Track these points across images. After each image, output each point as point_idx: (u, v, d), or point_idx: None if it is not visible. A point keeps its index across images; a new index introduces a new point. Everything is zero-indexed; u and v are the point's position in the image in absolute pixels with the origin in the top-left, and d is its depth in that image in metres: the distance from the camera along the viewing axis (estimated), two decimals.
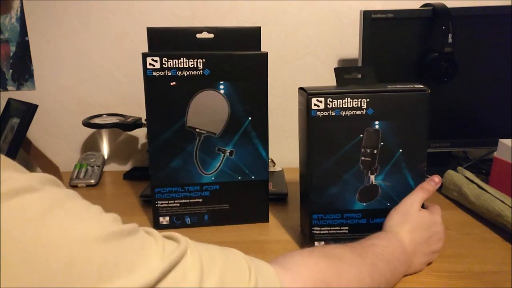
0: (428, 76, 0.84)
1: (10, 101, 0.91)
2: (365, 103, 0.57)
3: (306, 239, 0.62)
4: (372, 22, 0.83)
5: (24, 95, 0.98)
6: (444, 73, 0.83)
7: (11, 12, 0.95)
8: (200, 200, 0.70)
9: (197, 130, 0.67)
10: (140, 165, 1.03)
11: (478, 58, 0.86)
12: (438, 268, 0.56)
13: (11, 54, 0.98)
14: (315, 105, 0.57)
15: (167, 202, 0.69)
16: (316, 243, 0.61)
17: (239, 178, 0.70)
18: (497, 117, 0.89)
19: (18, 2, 0.95)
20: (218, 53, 0.65)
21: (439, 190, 0.82)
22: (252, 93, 0.66)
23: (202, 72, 0.65)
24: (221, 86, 0.66)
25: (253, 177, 0.70)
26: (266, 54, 0.66)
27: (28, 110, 0.84)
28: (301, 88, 0.60)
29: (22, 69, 0.99)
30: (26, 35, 0.97)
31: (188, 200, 0.70)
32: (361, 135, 0.58)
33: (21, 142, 0.85)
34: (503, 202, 0.66)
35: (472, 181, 0.74)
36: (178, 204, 0.69)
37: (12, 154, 0.83)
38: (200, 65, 0.65)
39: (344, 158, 0.58)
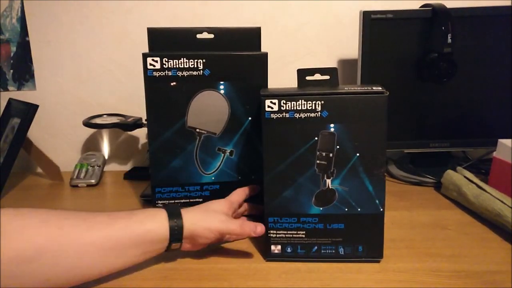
0: (428, 76, 0.85)
1: (10, 101, 0.91)
2: (319, 106, 0.55)
3: (262, 243, 0.61)
4: (371, 22, 0.83)
5: (24, 95, 0.98)
6: (443, 73, 0.83)
7: (12, 12, 0.95)
8: (200, 200, 0.70)
9: (197, 130, 0.67)
10: (141, 165, 1.03)
11: (478, 58, 0.86)
12: (438, 268, 0.56)
13: (12, 54, 0.98)
14: (268, 107, 0.56)
15: (167, 202, 0.69)
16: (272, 247, 0.59)
17: (239, 178, 0.70)
18: (497, 117, 0.89)
19: (19, 3, 0.96)
20: (218, 53, 0.66)
21: (439, 190, 0.82)
22: (252, 93, 0.66)
23: (202, 72, 0.65)
24: (221, 86, 0.66)
25: (253, 177, 0.70)
26: (266, 54, 0.67)
27: (29, 110, 0.84)
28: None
29: (22, 69, 0.99)
30: (27, 35, 0.97)
31: (188, 200, 0.70)
32: (316, 138, 0.56)
33: (22, 142, 0.85)
34: (503, 202, 0.66)
35: (471, 181, 0.74)
36: (179, 204, 0.70)
37: (12, 154, 0.83)
38: (200, 65, 0.65)
39: (298, 161, 0.57)
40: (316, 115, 0.56)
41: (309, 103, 0.55)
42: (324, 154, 0.56)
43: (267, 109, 0.56)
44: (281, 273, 0.56)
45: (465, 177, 0.76)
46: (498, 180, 0.75)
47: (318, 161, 0.57)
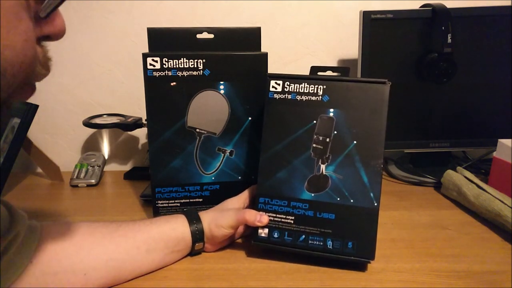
0: (428, 76, 0.84)
1: (10, 101, 0.91)
2: (321, 90, 0.57)
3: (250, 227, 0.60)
4: (371, 22, 0.83)
5: None
6: (443, 73, 0.83)
7: None
8: (200, 200, 0.70)
9: (197, 130, 0.67)
10: (141, 165, 1.03)
11: (478, 58, 0.87)
12: (438, 268, 0.56)
13: None
14: (273, 87, 0.59)
15: (167, 202, 0.69)
16: (259, 230, 0.58)
17: (239, 178, 0.70)
18: (497, 117, 0.89)
19: None
20: (218, 53, 0.66)
21: (439, 190, 0.82)
22: (252, 93, 0.67)
23: (202, 72, 0.65)
24: (221, 86, 0.66)
25: (253, 177, 0.70)
26: (266, 54, 0.67)
27: (29, 110, 0.84)
28: None
29: None
30: None
31: (188, 200, 0.70)
32: (315, 121, 0.57)
33: (22, 142, 0.85)
34: (503, 202, 0.66)
35: (471, 181, 0.74)
36: (179, 204, 0.70)
37: (12, 154, 0.83)
38: (200, 65, 0.65)
39: (295, 143, 0.58)
40: (317, 98, 0.57)
41: (312, 87, 0.57)
42: (321, 138, 0.57)
43: (271, 89, 0.59)
44: (281, 273, 0.56)
45: (465, 177, 0.76)
46: (498, 180, 0.75)
47: (314, 145, 0.57)
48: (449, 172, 0.79)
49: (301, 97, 0.58)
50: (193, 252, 0.59)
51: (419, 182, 0.88)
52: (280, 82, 0.59)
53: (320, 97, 0.57)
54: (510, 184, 0.72)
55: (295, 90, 0.58)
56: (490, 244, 0.63)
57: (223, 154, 0.69)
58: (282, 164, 0.58)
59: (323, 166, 0.57)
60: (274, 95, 0.59)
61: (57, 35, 0.39)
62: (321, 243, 0.57)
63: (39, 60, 0.37)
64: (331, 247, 0.56)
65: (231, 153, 0.69)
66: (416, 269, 0.56)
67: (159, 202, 0.69)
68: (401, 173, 0.93)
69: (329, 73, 0.61)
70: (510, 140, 0.75)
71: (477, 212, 0.71)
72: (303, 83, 0.58)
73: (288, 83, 0.58)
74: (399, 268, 0.56)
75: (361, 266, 0.56)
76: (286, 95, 0.59)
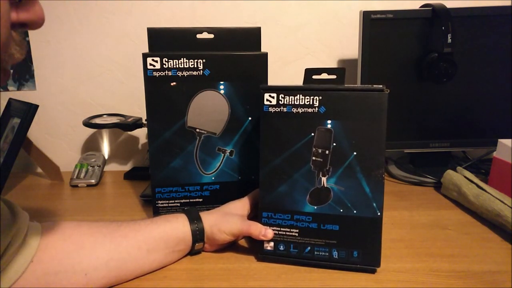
0: (428, 76, 0.85)
1: (10, 101, 0.91)
2: (317, 101, 0.55)
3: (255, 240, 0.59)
4: (371, 22, 0.83)
5: (24, 95, 0.98)
6: (443, 73, 0.83)
7: None
8: (200, 200, 0.70)
9: (197, 130, 0.67)
10: (141, 165, 1.03)
11: (478, 58, 0.87)
12: (438, 268, 0.56)
13: None
14: (267, 100, 0.57)
15: (167, 202, 0.69)
16: (265, 243, 0.59)
17: (239, 178, 0.70)
18: (497, 117, 0.89)
19: None
20: (218, 53, 0.66)
21: (439, 190, 0.82)
22: (252, 93, 0.66)
23: (202, 72, 0.65)
24: (221, 86, 0.66)
25: (253, 177, 0.70)
26: (266, 54, 0.67)
27: (29, 110, 0.84)
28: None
29: (22, 69, 0.99)
30: (27, 35, 0.97)
31: (188, 200, 0.70)
32: (313, 134, 0.56)
33: (22, 142, 0.85)
34: (503, 202, 0.66)
35: (471, 181, 0.74)
36: (179, 204, 0.70)
37: (12, 154, 0.83)
38: (200, 65, 0.65)
39: (294, 156, 0.57)
40: (313, 110, 0.56)
41: (307, 98, 0.56)
42: (320, 150, 0.56)
43: (265, 102, 0.57)
44: (281, 273, 0.56)
45: (465, 177, 0.76)
46: (498, 180, 0.75)
47: (313, 158, 0.56)
48: (449, 172, 0.80)
49: (297, 109, 0.56)
50: (193, 252, 0.59)
51: (419, 182, 0.88)
52: (274, 95, 0.56)
53: (317, 108, 0.55)
54: (510, 184, 0.72)
55: (290, 103, 0.56)
56: (490, 244, 0.63)
57: (223, 154, 0.69)
58: (283, 178, 0.57)
59: (324, 179, 0.56)
60: (269, 108, 0.57)
61: (35, 23, 0.36)
62: (327, 254, 0.57)
63: (14, 41, 0.35)
64: (336, 256, 0.57)
65: (231, 153, 0.69)
66: (416, 269, 0.56)
67: (159, 202, 0.69)
68: (401, 173, 0.93)
69: (324, 75, 0.60)
70: (510, 140, 0.75)
71: (477, 212, 0.71)
72: (298, 95, 0.56)
73: (283, 96, 0.56)
74: (399, 268, 0.56)
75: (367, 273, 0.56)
76: (282, 108, 0.56)
